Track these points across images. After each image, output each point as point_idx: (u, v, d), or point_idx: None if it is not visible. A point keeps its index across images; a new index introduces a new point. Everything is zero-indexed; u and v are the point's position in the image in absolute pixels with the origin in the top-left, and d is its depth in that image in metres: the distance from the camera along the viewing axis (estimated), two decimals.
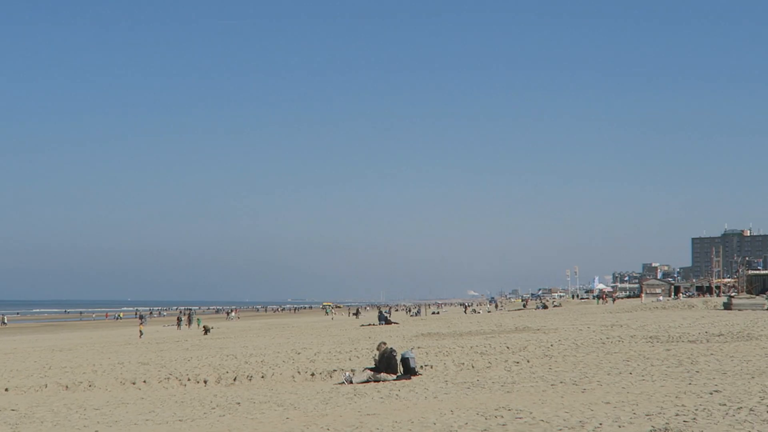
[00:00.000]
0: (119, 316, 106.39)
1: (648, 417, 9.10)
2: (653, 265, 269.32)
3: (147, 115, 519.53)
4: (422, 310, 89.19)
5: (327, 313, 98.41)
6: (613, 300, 78.49)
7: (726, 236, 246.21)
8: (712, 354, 16.22)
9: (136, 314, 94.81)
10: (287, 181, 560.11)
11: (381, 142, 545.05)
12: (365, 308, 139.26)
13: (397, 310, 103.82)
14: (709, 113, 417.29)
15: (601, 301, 77.77)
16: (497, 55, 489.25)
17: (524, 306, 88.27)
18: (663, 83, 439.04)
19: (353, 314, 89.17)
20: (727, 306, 42.70)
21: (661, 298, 75.17)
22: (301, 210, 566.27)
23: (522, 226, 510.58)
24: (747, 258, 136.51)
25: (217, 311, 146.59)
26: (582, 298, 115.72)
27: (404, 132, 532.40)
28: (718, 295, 73.52)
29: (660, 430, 8.30)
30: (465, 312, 79.04)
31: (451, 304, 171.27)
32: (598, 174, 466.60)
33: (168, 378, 17.36)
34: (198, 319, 60.93)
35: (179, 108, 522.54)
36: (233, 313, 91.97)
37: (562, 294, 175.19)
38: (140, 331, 44.79)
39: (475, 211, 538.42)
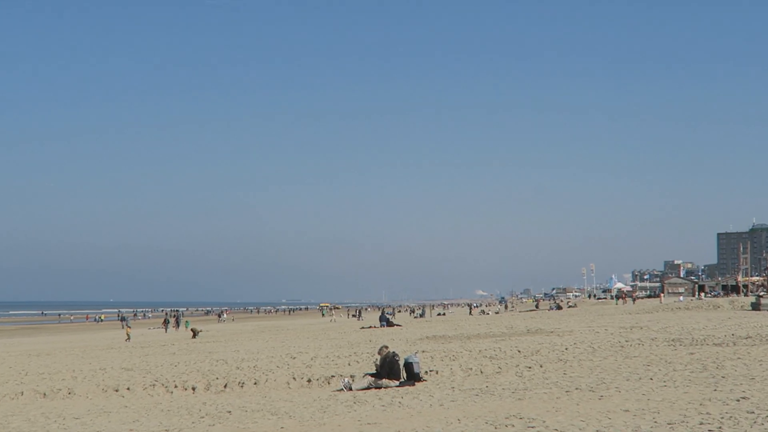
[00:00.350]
0: (100, 318, 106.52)
1: (670, 426, 9.10)
2: (676, 262, 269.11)
3: (131, 105, 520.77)
4: (427, 311, 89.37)
5: (323, 314, 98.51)
6: (634, 300, 78.52)
7: (754, 231, 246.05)
8: (739, 358, 16.22)
9: (118, 316, 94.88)
10: (283, 175, 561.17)
11: (382, 134, 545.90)
12: (366, 309, 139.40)
13: (399, 312, 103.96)
14: (736, 103, 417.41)
15: (620, 301, 77.81)
16: (506, 44, 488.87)
17: (536, 307, 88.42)
18: (684, 73, 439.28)
19: (352, 315, 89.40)
20: (756, 306, 42.70)
21: (681, 298, 75.10)
22: (297, 205, 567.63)
23: (534, 222, 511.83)
24: None
25: (207, 312, 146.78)
26: (599, 298, 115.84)
27: (407, 124, 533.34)
28: (745, 295, 73.57)
29: None
30: (470, 313, 79.12)
31: (458, 304, 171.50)
32: (616, 166, 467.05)
33: (153, 385, 17.39)
34: (186, 322, 61.07)
35: (165, 98, 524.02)
36: (225, 315, 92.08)
37: (577, 294, 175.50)
38: (127, 334, 44.86)
39: (484, 206, 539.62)
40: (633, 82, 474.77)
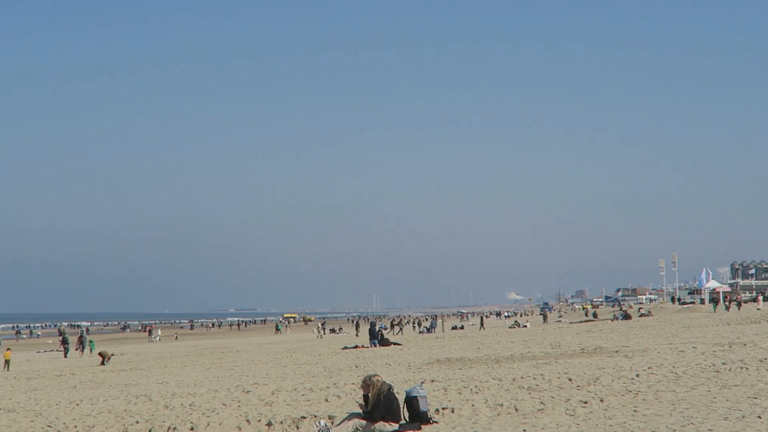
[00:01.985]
0: None
1: None
2: None
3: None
4: (437, 323, 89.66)
5: (279, 329, 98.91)
6: (739, 305, 78.50)
7: None
8: None
9: None
10: (229, 131, 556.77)
11: (375, 75, 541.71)
12: (351, 321, 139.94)
13: (400, 325, 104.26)
14: None
15: (718, 306, 77.85)
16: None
17: (594, 316, 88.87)
18: None
19: (330, 330, 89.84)
20: None
21: None
22: (252, 176, 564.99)
23: (590, 198, 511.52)
24: None
25: (123, 329, 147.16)
26: (684, 303, 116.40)
27: (417, 67, 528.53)
28: None
29: None
30: (482, 326, 79.14)
31: (482, 313, 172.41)
32: (707, 125, 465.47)
33: None
34: (90, 342, 61.11)
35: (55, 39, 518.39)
36: (159, 332, 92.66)
37: (653, 296, 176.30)
38: (6, 360, 44.76)
39: (518, 177, 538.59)
40: (731, 17, 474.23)
